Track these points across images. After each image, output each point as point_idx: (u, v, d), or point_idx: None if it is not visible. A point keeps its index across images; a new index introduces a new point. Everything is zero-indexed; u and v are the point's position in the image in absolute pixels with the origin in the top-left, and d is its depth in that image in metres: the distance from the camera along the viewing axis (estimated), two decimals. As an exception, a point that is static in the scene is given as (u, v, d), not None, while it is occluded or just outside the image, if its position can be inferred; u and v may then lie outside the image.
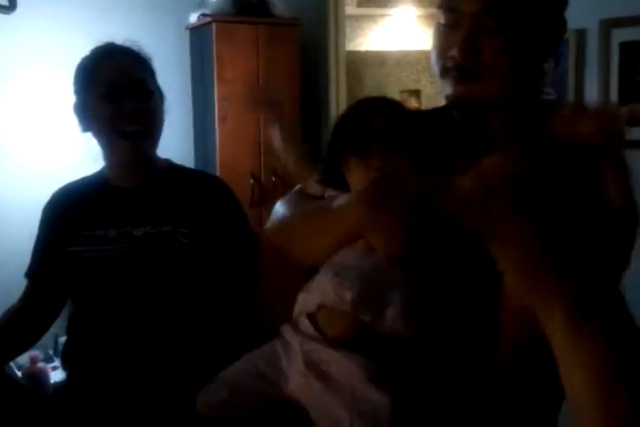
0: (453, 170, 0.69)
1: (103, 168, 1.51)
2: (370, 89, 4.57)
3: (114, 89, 1.39)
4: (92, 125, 1.43)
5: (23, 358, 2.25)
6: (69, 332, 1.50)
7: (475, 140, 1.10)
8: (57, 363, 2.41)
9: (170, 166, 1.53)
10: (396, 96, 4.76)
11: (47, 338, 2.44)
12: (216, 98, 3.06)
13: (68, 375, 1.54)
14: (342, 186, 1.07)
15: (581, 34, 2.27)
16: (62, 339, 2.47)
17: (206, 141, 3.19)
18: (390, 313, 0.92)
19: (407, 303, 0.92)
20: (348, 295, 0.93)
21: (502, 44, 1.02)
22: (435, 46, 1.08)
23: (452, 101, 1.10)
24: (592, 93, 2.26)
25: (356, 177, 1.03)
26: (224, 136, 3.08)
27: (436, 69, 1.09)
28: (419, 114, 1.27)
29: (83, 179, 1.55)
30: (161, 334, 1.39)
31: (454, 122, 1.14)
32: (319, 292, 0.98)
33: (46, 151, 2.83)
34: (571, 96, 2.30)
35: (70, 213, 1.48)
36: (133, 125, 1.39)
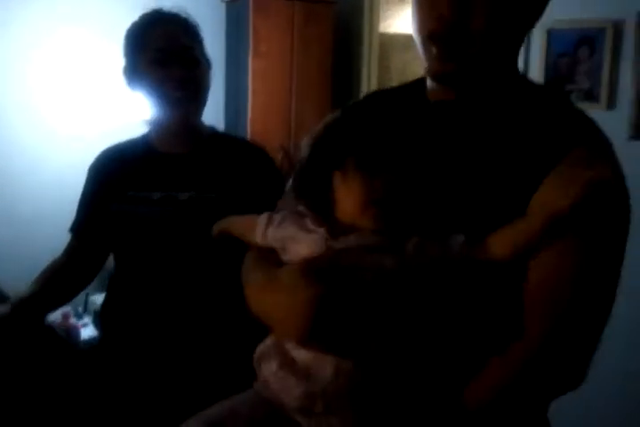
0: None
1: (149, 132, 1.54)
2: (396, 71, 4.60)
3: (162, 55, 1.42)
4: (141, 89, 1.46)
5: (55, 315, 2.33)
6: (109, 290, 1.56)
7: (459, 121, 1.04)
8: (87, 320, 2.49)
9: (214, 133, 1.56)
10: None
11: (78, 296, 2.54)
12: (250, 71, 3.11)
13: (103, 333, 1.59)
14: (323, 202, 1.00)
15: (618, 25, 2.28)
16: (93, 297, 2.57)
17: (238, 114, 3.24)
18: None
19: None
20: None
21: (497, 4, 0.93)
22: (419, 7, 0.98)
23: (438, 71, 1.01)
24: (626, 85, 2.29)
25: (351, 195, 0.96)
26: (256, 110, 3.13)
27: (418, 38, 1.00)
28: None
29: (128, 141, 1.59)
30: (197, 296, 1.42)
31: (430, 102, 1.07)
32: None
33: (81, 116, 2.82)
34: (604, 87, 2.32)
35: (115, 173, 1.51)
36: (180, 91, 1.42)
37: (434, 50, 0.97)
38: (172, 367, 1.40)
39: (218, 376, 1.38)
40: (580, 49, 2.33)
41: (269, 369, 0.93)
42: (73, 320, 2.38)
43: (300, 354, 0.91)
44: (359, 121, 1.02)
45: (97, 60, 2.68)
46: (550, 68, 2.40)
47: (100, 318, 1.58)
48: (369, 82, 3.73)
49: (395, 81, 4.15)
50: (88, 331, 2.43)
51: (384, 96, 1.19)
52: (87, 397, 1.47)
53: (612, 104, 2.32)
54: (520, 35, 1.01)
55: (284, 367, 0.92)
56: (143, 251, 1.46)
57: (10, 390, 1.41)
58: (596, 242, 0.90)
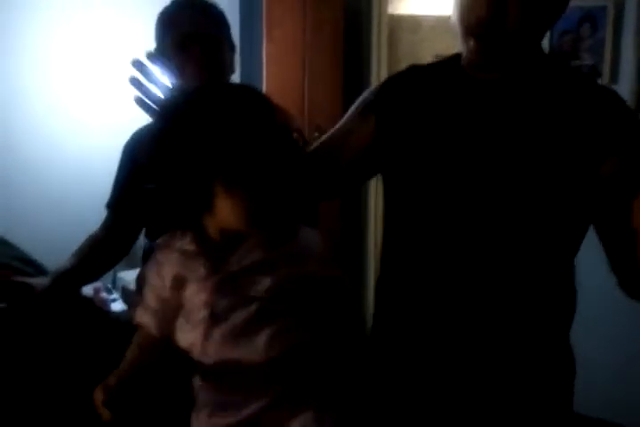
0: None
1: None
2: (404, 53, 4.64)
3: (186, 38, 1.48)
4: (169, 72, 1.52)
5: (87, 289, 2.44)
6: (144, 260, 1.60)
7: (496, 103, 1.11)
8: (115, 295, 2.61)
9: None
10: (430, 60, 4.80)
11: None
12: (264, 57, 3.19)
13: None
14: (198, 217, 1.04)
15: (620, 2, 2.35)
16: (120, 274, 2.68)
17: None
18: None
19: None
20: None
21: (529, 4, 1.03)
22: (458, 4, 1.08)
23: (474, 62, 1.11)
24: (628, 62, 2.36)
25: (234, 207, 0.99)
26: (270, 94, 3.21)
27: (457, 27, 1.09)
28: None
29: None
30: None
31: (471, 82, 1.14)
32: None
33: (103, 101, 2.86)
34: (606, 64, 2.38)
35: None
36: (201, 74, 1.46)
37: (472, 44, 1.09)
38: None
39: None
40: (583, 26, 2.40)
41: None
42: (103, 294, 2.49)
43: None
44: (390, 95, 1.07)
45: (119, 44, 2.74)
46: (555, 45, 2.47)
47: (137, 288, 1.66)
48: (378, 64, 3.78)
49: (403, 63, 4.18)
50: (117, 305, 2.55)
51: (423, 71, 1.26)
52: None
53: (614, 79, 2.40)
54: (549, 25, 1.12)
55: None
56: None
57: (52, 359, 1.49)
58: None
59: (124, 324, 1.75)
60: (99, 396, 1.09)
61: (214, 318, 1.01)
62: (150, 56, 1.54)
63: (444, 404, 1.16)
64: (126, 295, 2.57)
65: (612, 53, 2.37)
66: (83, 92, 2.81)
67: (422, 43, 4.83)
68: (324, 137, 1.34)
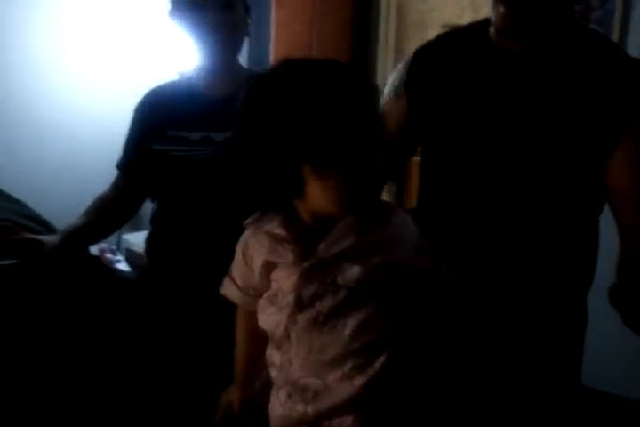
0: None
1: (193, 73, 1.60)
2: (412, 21, 4.61)
3: None
4: (184, 33, 1.52)
5: (93, 250, 2.47)
6: (153, 223, 1.65)
7: (522, 67, 1.15)
8: (120, 257, 2.65)
9: (252, 76, 1.62)
10: (438, 31, 4.80)
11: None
12: (273, 21, 3.16)
13: (148, 262, 1.69)
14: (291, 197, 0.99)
15: (630, -28, 2.34)
16: (125, 236, 2.72)
17: (261, 65, 3.32)
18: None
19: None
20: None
21: None
22: None
23: (503, 28, 1.13)
24: (636, 33, 2.35)
25: (326, 190, 0.94)
26: (278, 59, 3.20)
27: None
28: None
29: (173, 82, 1.66)
30: (229, 235, 1.51)
31: (495, 48, 1.18)
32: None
33: (111, 65, 2.88)
34: (615, 35, 2.38)
35: (158, 113, 1.58)
36: (214, 34, 1.48)
37: (502, 9, 1.11)
38: (207, 296, 1.46)
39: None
40: (593, -4, 2.39)
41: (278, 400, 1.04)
42: (109, 255, 2.53)
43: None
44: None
45: (130, 6, 2.75)
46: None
47: (147, 250, 1.69)
48: (386, 31, 3.77)
49: (411, 31, 4.17)
50: (121, 266, 2.58)
51: (450, 42, 1.28)
52: (132, 319, 1.59)
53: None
54: None
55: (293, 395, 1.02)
56: (181, 189, 1.55)
57: (61, 315, 1.53)
58: None
59: (130, 282, 1.81)
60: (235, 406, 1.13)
61: (300, 304, 0.99)
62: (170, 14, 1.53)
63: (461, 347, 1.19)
64: (131, 257, 2.60)
65: (620, 24, 2.36)
66: (93, 54, 2.81)
67: (431, 12, 4.78)
68: None
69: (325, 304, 0.98)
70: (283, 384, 1.03)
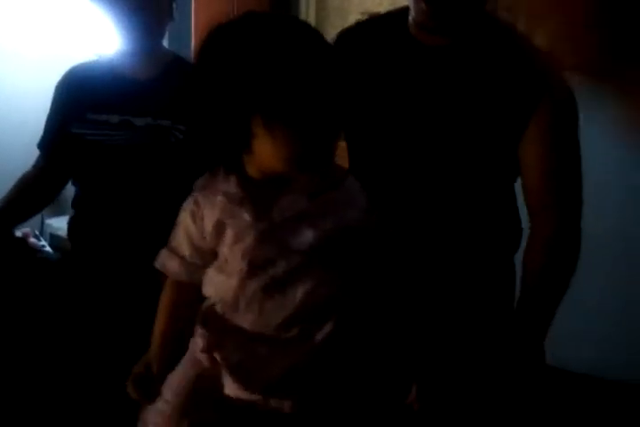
0: None
1: (115, 55, 1.58)
2: (333, 7, 4.65)
3: None
4: (107, 17, 1.51)
5: (16, 234, 2.44)
6: (74, 207, 1.65)
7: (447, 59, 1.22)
8: (44, 242, 2.61)
9: (176, 59, 1.59)
10: (356, 17, 4.85)
11: (35, 219, 2.64)
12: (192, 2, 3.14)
13: (72, 246, 1.67)
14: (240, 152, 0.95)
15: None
16: (49, 221, 2.69)
17: (180, 40, 3.29)
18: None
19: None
20: None
21: None
22: None
23: (422, 24, 1.18)
24: None
25: (276, 147, 0.91)
26: (198, 35, 3.19)
27: None
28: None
29: (95, 62, 1.64)
30: (149, 219, 1.49)
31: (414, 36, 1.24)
32: None
33: (43, 41, 2.77)
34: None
35: (78, 94, 1.57)
36: (133, 17, 1.46)
37: (422, 6, 1.15)
38: (132, 278, 1.47)
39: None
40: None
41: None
42: (33, 240, 2.49)
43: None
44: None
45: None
46: None
47: (69, 233, 1.69)
48: (307, 17, 3.80)
49: (332, 17, 4.22)
50: (46, 251, 2.56)
51: (370, 31, 1.31)
52: (56, 299, 1.57)
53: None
54: None
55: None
56: (99, 174, 1.55)
57: None
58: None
59: (54, 262, 1.81)
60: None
61: (252, 270, 0.96)
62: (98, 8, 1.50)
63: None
64: (55, 242, 2.57)
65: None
66: (17, 28, 2.71)
67: (352, -1, 4.86)
68: None
69: (279, 269, 0.96)
70: (225, 370, 1.00)
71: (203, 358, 1.01)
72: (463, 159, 1.24)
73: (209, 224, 0.98)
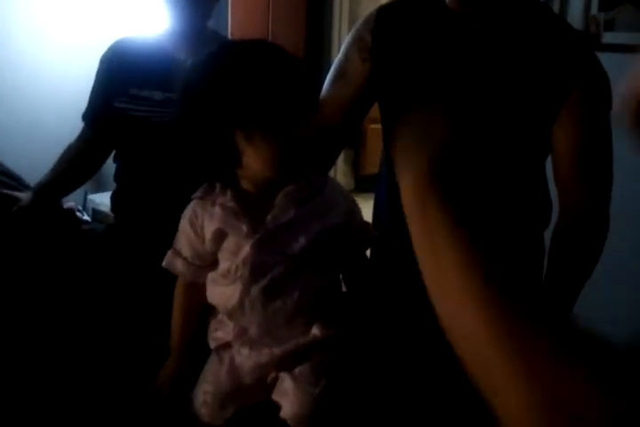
0: None
1: (163, 33, 1.60)
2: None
3: None
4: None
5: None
6: (117, 179, 1.70)
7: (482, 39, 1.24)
8: (87, 217, 2.71)
9: (218, 39, 1.61)
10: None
11: (78, 194, 2.75)
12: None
13: (115, 218, 1.74)
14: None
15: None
16: (91, 196, 2.78)
17: (217, 29, 3.38)
18: None
19: None
20: None
21: None
22: None
23: (458, 5, 1.20)
24: (576, 2, 2.47)
25: (258, 151, 1.00)
26: (235, 24, 3.27)
27: None
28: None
29: (140, 38, 1.65)
30: (189, 192, 1.55)
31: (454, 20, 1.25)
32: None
33: (78, 27, 2.89)
34: (556, 3, 2.50)
35: (122, 68, 1.57)
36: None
37: None
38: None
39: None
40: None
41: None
42: (77, 214, 2.59)
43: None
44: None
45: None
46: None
47: (113, 206, 1.74)
48: (340, 6, 3.85)
49: (364, 5, 4.24)
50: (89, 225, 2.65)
51: (412, 10, 1.33)
52: (103, 274, 1.59)
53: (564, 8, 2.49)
54: None
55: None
56: (143, 150, 1.58)
57: (39, 271, 1.56)
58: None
59: (98, 234, 1.87)
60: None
61: (254, 275, 1.05)
62: None
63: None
64: (98, 216, 2.66)
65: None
66: (59, 13, 2.82)
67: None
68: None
69: (276, 273, 1.05)
70: (243, 345, 1.10)
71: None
72: (499, 138, 1.27)
73: (208, 233, 1.08)
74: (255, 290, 1.05)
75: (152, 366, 1.23)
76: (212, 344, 1.16)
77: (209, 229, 1.08)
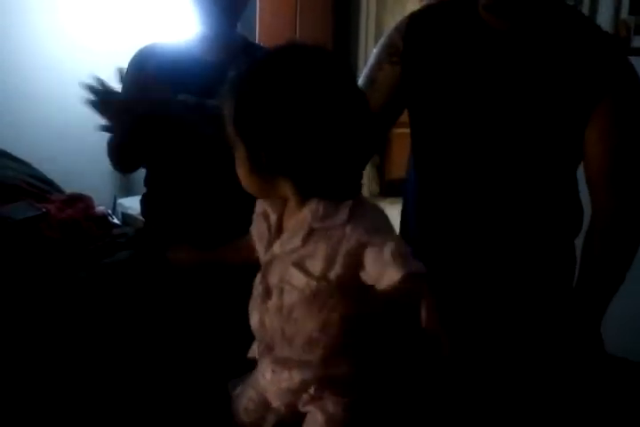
0: None
1: (193, 38, 1.62)
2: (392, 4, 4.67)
3: None
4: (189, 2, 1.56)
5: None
6: (147, 183, 1.70)
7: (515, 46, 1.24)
8: (117, 221, 2.75)
9: (247, 43, 1.64)
10: (416, 5, 4.82)
11: (108, 199, 2.79)
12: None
13: (146, 220, 1.75)
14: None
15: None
16: (120, 200, 2.82)
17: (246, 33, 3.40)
18: None
19: None
20: None
21: None
22: None
23: (487, 7, 1.20)
24: (606, 5, 2.44)
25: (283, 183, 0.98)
26: (263, 28, 3.29)
27: None
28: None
29: (173, 44, 1.66)
30: (218, 197, 1.54)
31: (486, 25, 1.24)
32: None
33: (103, 31, 2.90)
34: (586, 7, 2.47)
35: (153, 73, 1.57)
36: (217, 5, 1.51)
37: None
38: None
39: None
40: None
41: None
42: (109, 218, 2.63)
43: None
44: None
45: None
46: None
47: (143, 210, 1.75)
48: (368, 4, 3.86)
49: (390, 6, 4.24)
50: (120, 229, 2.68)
51: (441, 15, 1.33)
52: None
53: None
54: None
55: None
56: (173, 153, 1.58)
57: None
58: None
59: (130, 237, 1.91)
60: None
61: (267, 293, 1.02)
62: None
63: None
64: (127, 220, 2.69)
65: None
66: (89, 20, 2.85)
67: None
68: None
69: (287, 299, 1.00)
70: (267, 365, 1.07)
71: None
72: (529, 143, 1.27)
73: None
74: (272, 307, 1.02)
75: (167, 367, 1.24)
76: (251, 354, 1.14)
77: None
